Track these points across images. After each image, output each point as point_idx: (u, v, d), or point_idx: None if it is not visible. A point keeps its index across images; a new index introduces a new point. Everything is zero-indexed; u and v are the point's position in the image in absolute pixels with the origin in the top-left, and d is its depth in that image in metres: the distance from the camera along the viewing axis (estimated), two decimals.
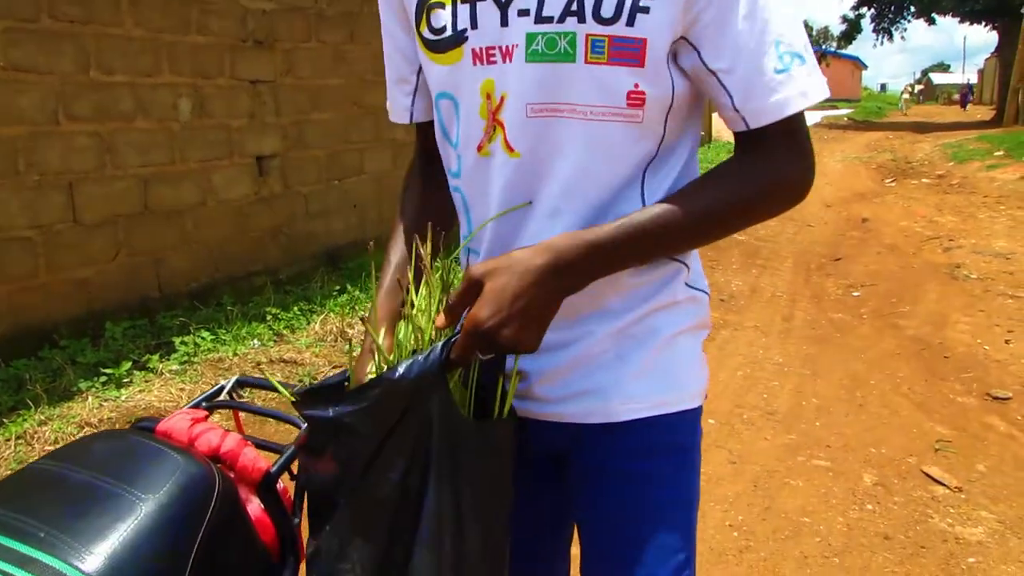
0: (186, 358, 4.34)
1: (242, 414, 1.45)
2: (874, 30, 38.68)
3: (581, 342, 1.05)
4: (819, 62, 1.03)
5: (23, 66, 4.10)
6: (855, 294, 6.03)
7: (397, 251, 1.17)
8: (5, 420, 3.49)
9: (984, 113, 33.72)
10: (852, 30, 40.38)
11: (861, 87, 69.30)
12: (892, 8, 36.40)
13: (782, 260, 7.25)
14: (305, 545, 1.09)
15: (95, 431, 3.30)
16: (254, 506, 1.13)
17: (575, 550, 1.18)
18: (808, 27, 1.00)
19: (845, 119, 33.78)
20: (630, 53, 0.93)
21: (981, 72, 57.56)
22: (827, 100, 1.14)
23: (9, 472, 2.50)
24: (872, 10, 37.25)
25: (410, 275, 1.02)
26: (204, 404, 1.30)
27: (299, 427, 1.24)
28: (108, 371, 4.03)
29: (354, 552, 0.92)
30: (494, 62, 0.99)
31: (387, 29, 1.16)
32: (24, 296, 4.21)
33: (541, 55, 0.96)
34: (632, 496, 1.06)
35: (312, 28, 6.10)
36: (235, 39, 5.42)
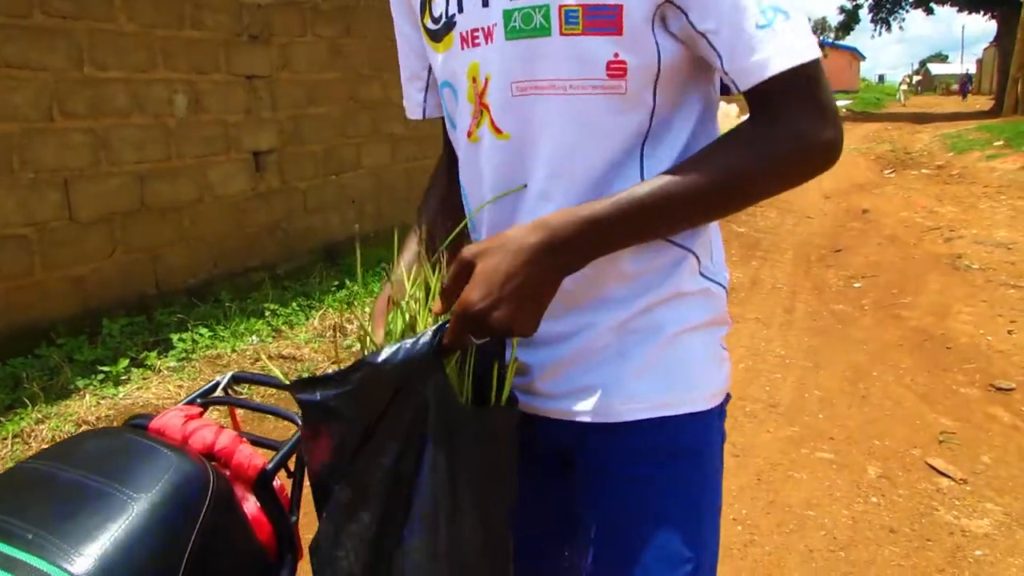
0: (184, 355, 4.32)
1: (240, 411, 1.43)
2: (872, 20, 38.67)
3: (582, 335, 1.01)
4: None
5: (15, 62, 4.06)
6: (856, 285, 6.00)
7: (411, 245, 1.14)
8: (2, 419, 3.47)
9: (983, 103, 33.68)
10: (850, 20, 40.37)
11: (859, 78, 69.16)
12: None
13: (782, 252, 7.22)
14: (305, 542, 1.06)
15: (92, 429, 3.28)
16: (250, 504, 1.10)
17: None
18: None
19: (843, 110, 33.72)
20: (606, 21, 0.89)
21: (980, 62, 57.51)
22: None
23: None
24: (870, 0, 37.19)
25: (403, 267, 0.99)
26: (199, 401, 1.27)
27: (296, 423, 1.21)
28: (105, 369, 4.00)
29: (348, 539, 0.90)
30: (478, 44, 0.97)
31: (398, 27, 1.16)
32: (20, 294, 4.18)
33: (519, 31, 0.93)
34: (634, 501, 1.01)
35: (308, 22, 6.05)
36: (230, 34, 5.38)
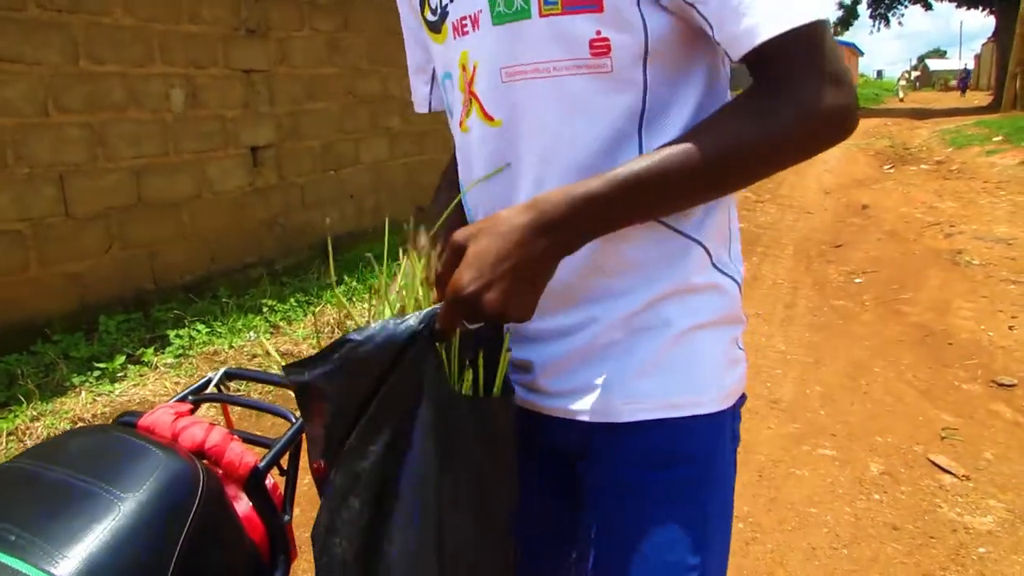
0: (181, 351, 4.29)
1: (238, 408, 1.40)
2: (871, 16, 38.62)
3: (586, 330, 0.97)
4: None
5: (9, 56, 4.03)
6: (857, 281, 5.97)
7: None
8: None
9: (982, 99, 33.61)
10: (848, 16, 40.31)
11: (857, 74, 69.11)
12: None
13: (782, 247, 7.19)
14: (301, 541, 1.04)
15: (80, 427, 3.25)
16: (242, 504, 1.07)
17: None
18: None
19: None
20: None
21: (978, 57, 57.41)
22: None
23: None
24: None
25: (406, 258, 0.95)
26: (191, 398, 1.24)
27: (290, 420, 1.19)
28: (102, 365, 3.98)
29: (342, 526, 0.87)
30: (467, 32, 0.95)
31: (404, 20, 1.15)
32: (15, 290, 4.15)
33: (503, 16, 0.90)
34: (636, 506, 0.97)
35: (305, 16, 6.02)
36: (228, 28, 5.34)
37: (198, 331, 4.52)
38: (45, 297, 4.30)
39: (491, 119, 0.96)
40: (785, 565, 2.47)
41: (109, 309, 4.57)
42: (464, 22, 0.95)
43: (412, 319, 0.83)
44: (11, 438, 3.30)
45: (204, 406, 1.41)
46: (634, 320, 0.96)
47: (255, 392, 3.62)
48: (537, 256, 0.82)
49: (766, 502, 2.82)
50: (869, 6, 38.06)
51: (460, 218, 1.06)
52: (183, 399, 1.21)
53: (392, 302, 0.92)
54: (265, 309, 4.97)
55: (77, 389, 3.75)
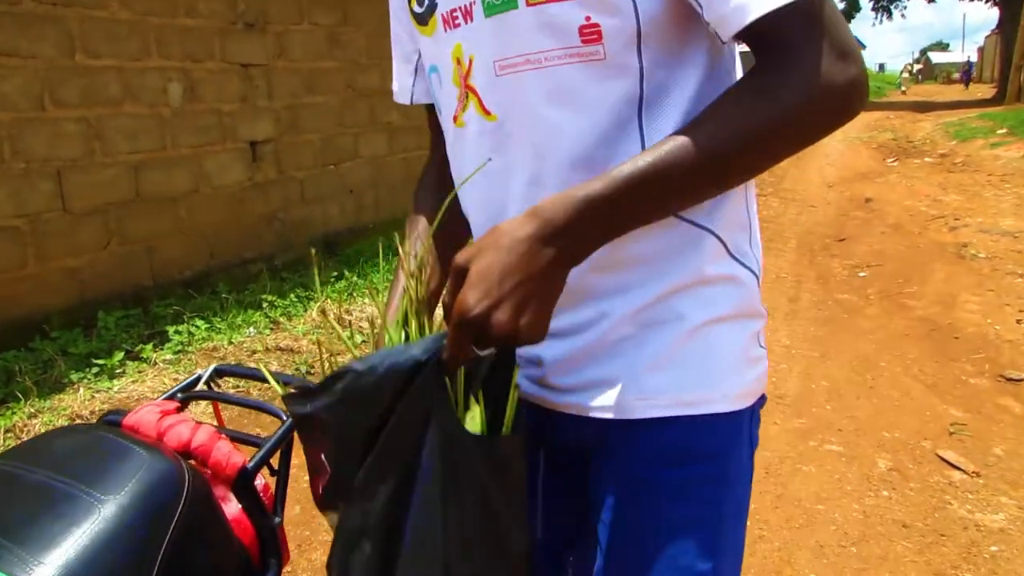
0: (180, 347, 4.25)
1: (237, 406, 1.36)
2: (873, 8, 38.51)
3: (596, 326, 0.93)
4: None
5: (4, 50, 3.98)
6: (861, 274, 5.92)
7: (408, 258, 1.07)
8: None
9: (985, 91, 33.48)
10: (851, 8, 40.17)
11: None
12: None
13: (785, 241, 7.14)
14: (296, 540, 0.99)
15: (64, 426, 3.21)
16: (231, 505, 1.03)
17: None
18: None
19: None
20: None
21: (981, 50, 57.21)
22: None
23: None
24: None
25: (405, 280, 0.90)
26: (179, 395, 1.20)
27: (280, 418, 1.14)
28: (100, 362, 3.94)
29: (354, 568, 0.82)
30: (459, 24, 0.92)
31: (392, 8, 1.12)
32: (13, 286, 4.11)
33: (494, 7, 0.86)
34: (647, 507, 0.94)
35: (304, 10, 5.97)
36: (225, 22, 5.29)
37: (197, 327, 4.48)
38: (43, 293, 4.26)
39: (488, 114, 0.92)
40: (793, 563, 2.42)
41: (108, 305, 4.53)
42: (455, 14, 0.92)
43: (416, 348, 0.77)
44: (8, 435, 3.26)
45: (203, 404, 1.37)
46: (645, 314, 0.92)
47: (255, 389, 3.58)
48: (544, 267, 0.77)
49: (773, 499, 2.78)
50: None
51: (450, 231, 1.03)
52: (171, 397, 1.16)
53: (393, 329, 0.87)
54: (265, 305, 4.93)
55: (75, 386, 3.71)
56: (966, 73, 48.88)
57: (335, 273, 5.61)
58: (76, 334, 4.23)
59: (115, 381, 3.80)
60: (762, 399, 1.01)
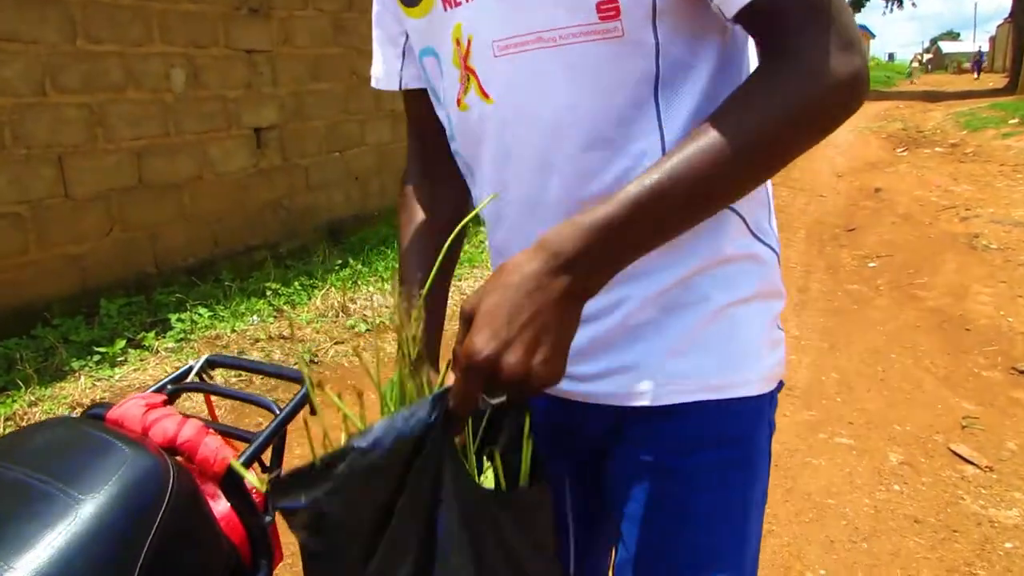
0: (182, 335, 4.21)
1: (234, 402, 1.31)
2: None
3: (616, 312, 0.89)
4: None
5: (5, 35, 3.93)
6: (871, 265, 5.85)
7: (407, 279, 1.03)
8: None
9: (996, 81, 33.19)
10: None
11: (869, 56, 68.40)
12: None
13: (794, 231, 7.07)
14: (285, 544, 0.94)
15: (45, 419, 3.18)
16: (221, 504, 0.98)
17: None
18: None
19: None
20: None
21: (993, 39, 56.76)
22: None
23: None
24: None
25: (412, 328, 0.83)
26: (169, 387, 1.16)
27: (273, 411, 1.09)
28: (102, 350, 3.90)
29: None
30: (459, 3, 0.86)
31: None
32: (14, 273, 4.08)
33: None
34: (673, 496, 0.91)
35: None
36: (228, 7, 5.23)
37: (200, 315, 4.44)
38: (45, 280, 4.22)
39: (487, 96, 0.88)
40: (802, 558, 2.38)
41: (110, 292, 4.50)
42: None
43: (420, 410, 0.70)
44: (8, 423, 3.23)
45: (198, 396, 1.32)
46: (667, 297, 0.88)
47: (256, 380, 3.54)
48: (556, 301, 0.70)
49: (783, 492, 2.73)
50: None
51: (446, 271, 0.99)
52: (160, 389, 1.12)
53: (391, 394, 0.79)
54: (269, 293, 4.89)
55: (76, 374, 3.68)
56: (977, 62, 48.52)
57: (339, 261, 5.57)
58: (78, 321, 4.20)
59: (116, 369, 3.77)
60: (780, 384, 0.98)
